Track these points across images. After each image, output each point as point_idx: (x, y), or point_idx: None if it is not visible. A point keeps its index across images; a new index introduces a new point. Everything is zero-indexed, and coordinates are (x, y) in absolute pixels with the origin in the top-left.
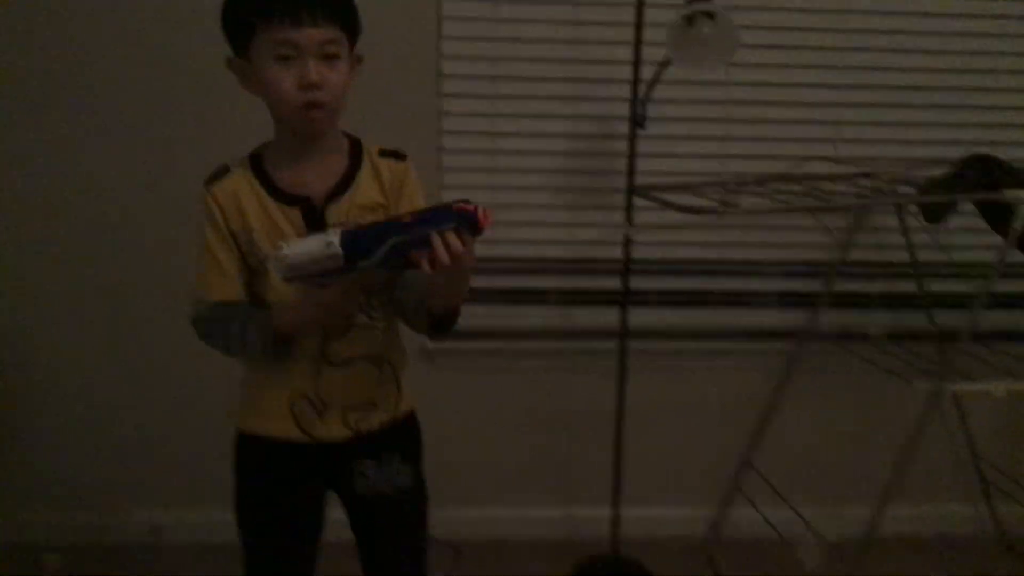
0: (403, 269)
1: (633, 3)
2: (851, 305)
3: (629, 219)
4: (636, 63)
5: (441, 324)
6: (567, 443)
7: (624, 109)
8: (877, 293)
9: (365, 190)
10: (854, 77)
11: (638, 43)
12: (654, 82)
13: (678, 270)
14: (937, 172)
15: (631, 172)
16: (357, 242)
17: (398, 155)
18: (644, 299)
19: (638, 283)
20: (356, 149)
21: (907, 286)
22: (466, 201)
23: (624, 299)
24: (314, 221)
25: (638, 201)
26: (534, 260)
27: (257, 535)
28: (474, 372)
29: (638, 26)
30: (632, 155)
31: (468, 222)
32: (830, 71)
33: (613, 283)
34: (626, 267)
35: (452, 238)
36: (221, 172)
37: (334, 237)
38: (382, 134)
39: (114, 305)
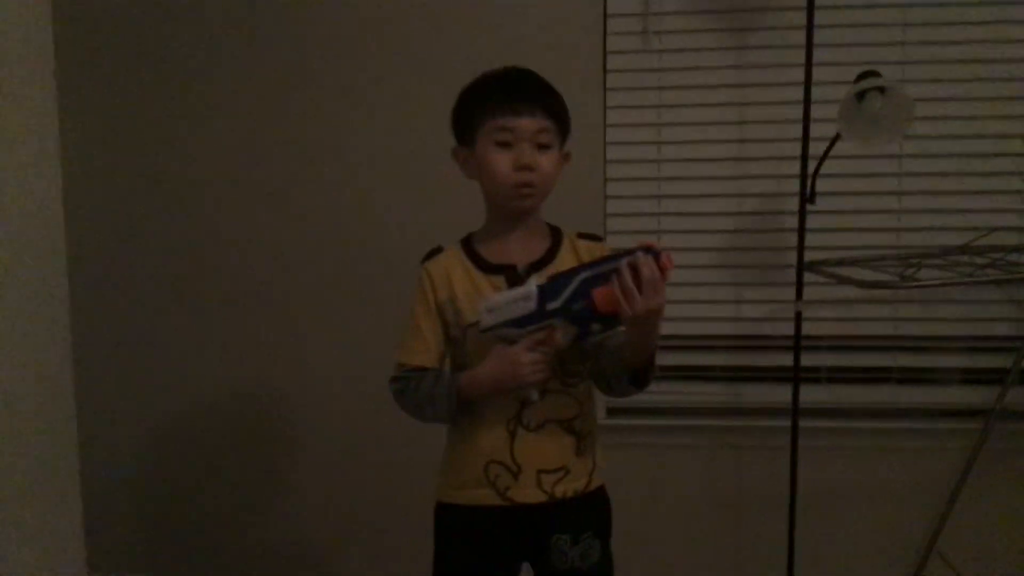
0: (592, 317)
1: (801, 82)
2: None
3: (800, 294)
4: (805, 139)
5: (640, 376)
6: (738, 524)
7: (792, 185)
8: None
9: (565, 265)
10: None
11: (806, 119)
12: (824, 158)
13: (854, 346)
14: None
15: (801, 247)
16: (551, 285)
17: (595, 237)
18: (816, 375)
19: (809, 359)
20: (556, 233)
21: None
22: (652, 248)
23: (796, 375)
24: (515, 284)
25: (809, 276)
26: (702, 337)
27: None
28: (643, 448)
29: (806, 102)
30: (802, 230)
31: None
32: (1007, 140)
33: (784, 359)
34: (797, 343)
35: (640, 262)
36: (435, 251)
37: (532, 283)
38: (549, 212)
39: None
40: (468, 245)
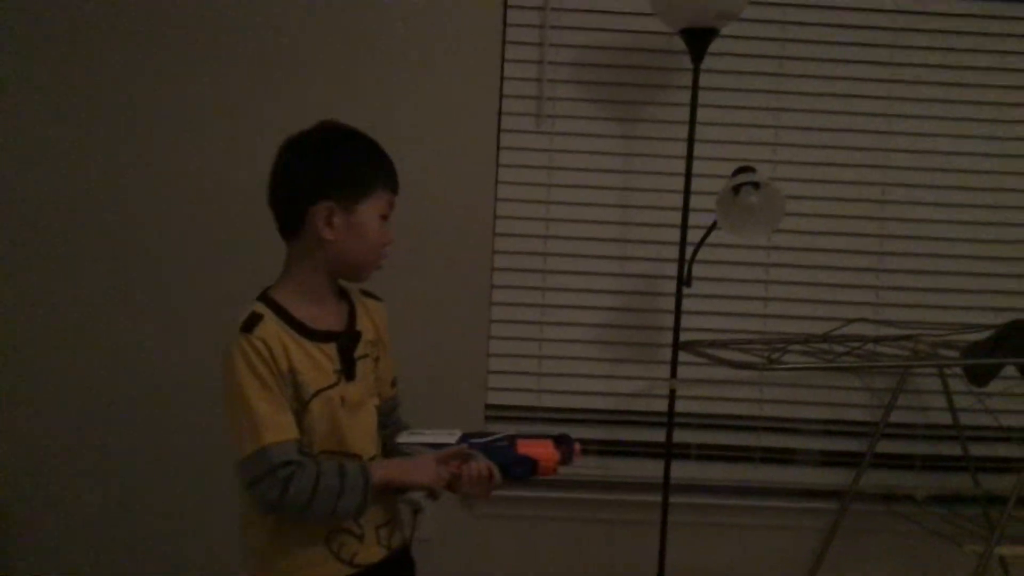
0: (512, 454)
1: (682, 172)
2: (895, 466)
3: (674, 373)
4: (684, 226)
5: None
6: None
7: (671, 268)
8: (920, 454)
9: (367, 327)
10: (896, 245)
11: (686, 207)
12: (700, 244)
13: (721, 425)
14: (976, 337)
15: (677, 328)
16: (476, 433)
17: (376, 296)
18: (686, 452)
19: (680, 436)
20: (343, 291)
21: (950, 448)
22: (568, 437)
23: (668, 452)
24: (347, 355)
25: (682, 356)
26: (578, 411)
27: None
28: (514, 520)
29: (686, 191)
30: (678, 311)
31: (567, 449)
32: (871, 239)
33: (656, 435)
34: (670, 419)
35: (484, 470)
36: (256, 318)
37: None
38: (437, 285)
39: None
40: (278, 310)
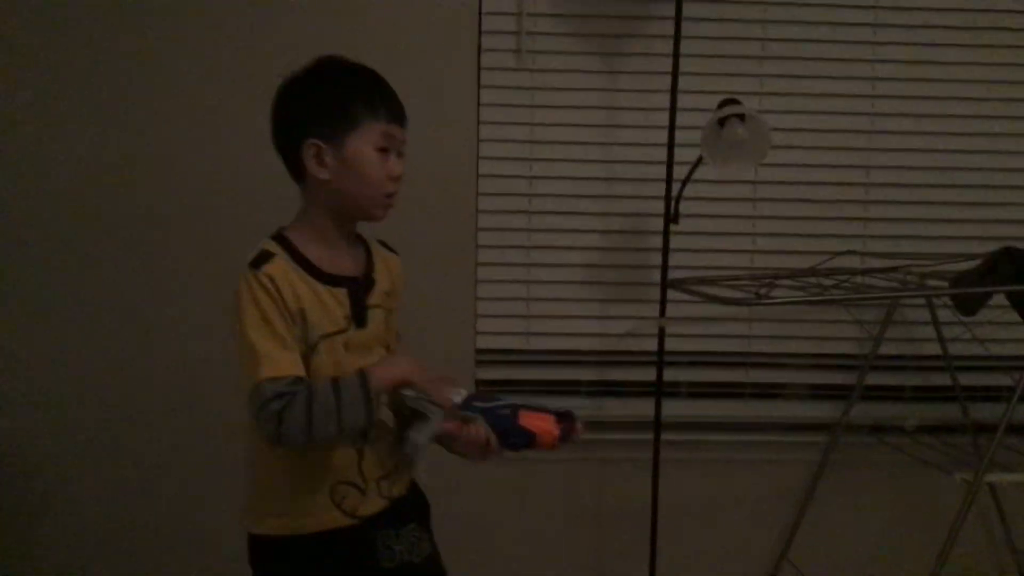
0: (512, 426)
1: (667, 107)
2: (884, 398)
3: (663, 312)
4: (670, 163)
5: None
6: (599, 536)
7: (657, 206)
8: (910, 386)
9: (383, 278)
10: (883, 176)
11: (671, 143)
12: (687, 180)
13: (711, 362)
14: (965, 267)
15: (665, 266)
16: (479, 394)
17: (393, 249)
18: (676, 391)
19: (671, 375)
20: (362, 240)
21: (939, 379)
22: (571, 414)
23: (658, 390)
24: (358, 301)
25: (671, 294)
26: (568, 352)
27: None
28: (506, 460)
29: (671, 127)
30: (666, 249)
31: (568, 426)
32: (858, 170)
33: (646, 374)
34: (660, 358)
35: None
36: (266, 256)
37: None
38: (422, 230)
39: None
40: (291, 250)
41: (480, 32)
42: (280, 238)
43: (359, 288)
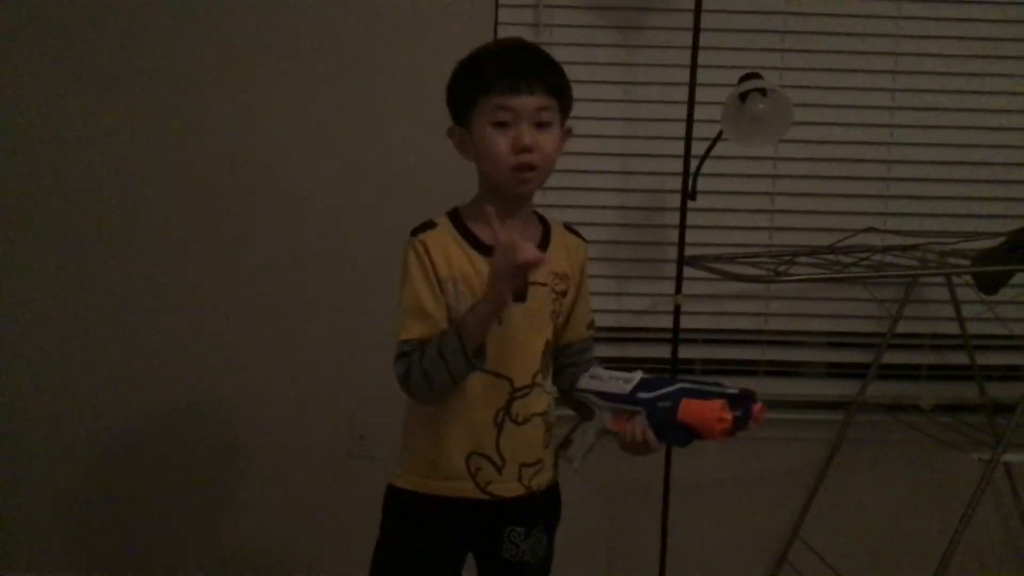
0: (670, 421)
1: (686, 82)
2: (901, 376)
3: (679, 288)
4: (688, 138)
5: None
6: (612, 514)
7: (675, 182)
8: (926, 364)
9: (557, 258)
10: (904, 153)
11: (690, 118)
12: (706, 156)
13: (727, 340)
14: (987, 244)
15: (682, 242)
16: (654, 380)
17: (580, 233)
18: (691, 368)
19: (686, 352)
20: (544, 222)
21: (956, 358)
22: (751, 396)
23: (673, 368)
24: None
25: (687, 271)
26: None
27: None
28: None
29: (691, 102)
30: (683, 226)
31: (744, 410)
32: (879, 147)
33: (661, 351)
34: (675, 336)
35: (639, 435)
36: (427, 225)
37: (639, 373)
38: (441, 208)
39: None
40: (459, 223)
41: (497, 5)
42: (454, 209)
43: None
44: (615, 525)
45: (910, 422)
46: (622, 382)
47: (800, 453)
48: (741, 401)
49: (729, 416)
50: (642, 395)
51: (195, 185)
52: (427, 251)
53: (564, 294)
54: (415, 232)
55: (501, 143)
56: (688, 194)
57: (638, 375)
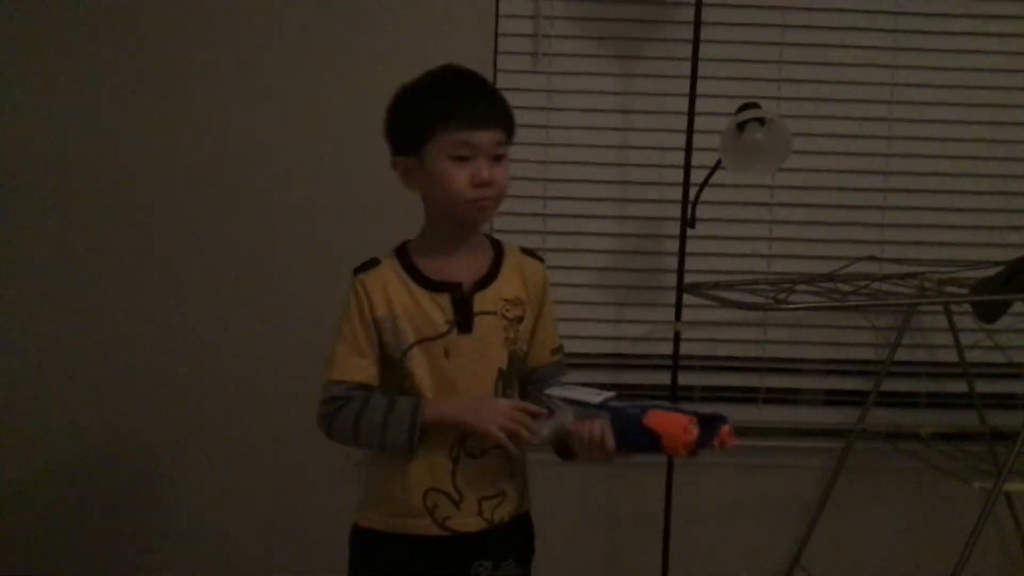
0: (635, 426)
1: (684, 111)
2: (900, 404)
3: (679, 316)
4: (687, 166)
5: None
6: (612, 541)
7: (674, 210)
8: (925, 392)
9: (509, 284)
10: (902, 182)
11: (689, 147)
12: (704, 184)
13: (725, 367)
14: (983, 274)
15: (681, 269)
16: (624, 399)
17: (537, 256)
18: (690, 395)
19: (685, 379)
20: (497, 247)
21: (955, 386)
22: (722, 418)
23: (673, 394)
24: (463, 307)
25: (686, 298)
26: (582, 355)
27: None
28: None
29: (689, 130)
30: (682, 253)
31: (711, 431)
32: (876, 176)
33: (660, 378)
34: (675, 362)
35: (597, 433)
36: (371, 264)
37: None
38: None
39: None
40: (405, 258)
41: (496, 35)
42: (400, 247)
43: (464, 294)
44: (615, 551)
45: (910, 450)
46: (593, 395)
47: (799, 480)
48: (711, 422)
49: (695, 431)
50: (614, 404)
51: (187, 179)
52: (366, 292)
53: (520, 320)
54: (357, 271)
55: (459, 177)
56: (687, 222)
57: (612, 394)
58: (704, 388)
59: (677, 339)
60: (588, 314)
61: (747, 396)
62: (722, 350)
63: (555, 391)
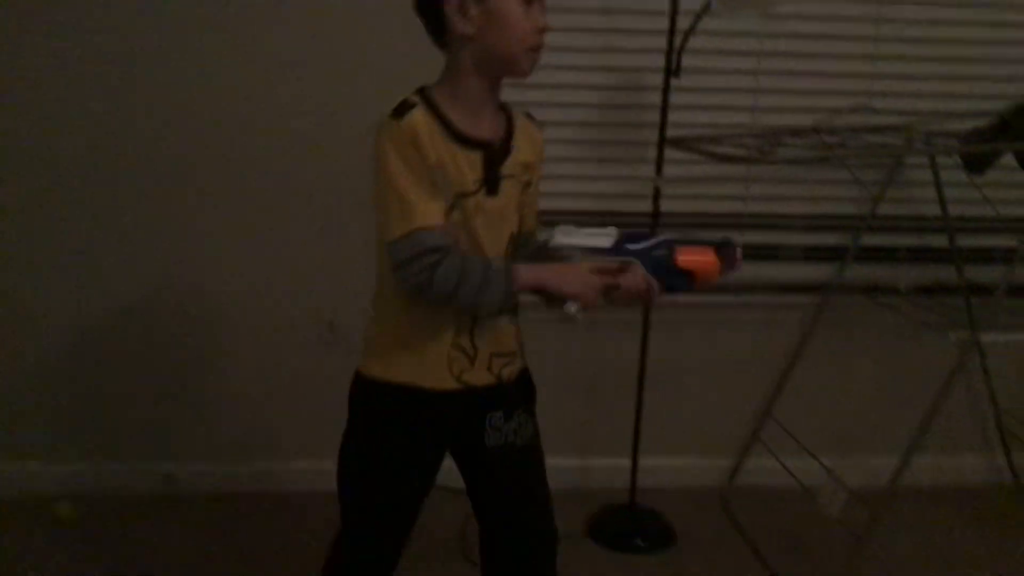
0: (671, 268)
1: None
2: (880, 259)
3: (659, 171)
4: (673, 12)
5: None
6: (588, 394)
7: (657, 60)
8: (905, 247)
9: (523, 148)
10: (891, 29)
11: None
12: (691, 30)
13: (705, 223)
14: (972, 124)
15: (664, 123)
16: (631, 232)
17: (538, 122)
18: None
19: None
20: (506, 108)
21: (935, 240)
22: (731, 242)
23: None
24: (492, 168)
25: (668, 154)
26: (559, 213)
27: (384, 484)
28: None
29: None
30: (665, 106)
31: (729, 255)
32: (865, 23)
33: None
34: (655, 219)
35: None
36: (408, 107)
37: (612, 229)
38: (414, 81)
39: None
40: (432, 106)
41: None
42: (423, 94)
43: (494, 155)
44: (590, 406)
45: (888, 303)
46: (602, 236)
47: (779, 336)
48: (723, 247)
49: (719, 262)
50: (630, 247)
51: (186, 95)
52: (417, 135)
53: (529, 184)
54: (398, 114)
55: (525, 19)
56: (672, 71)
57: (614, 230)
58: None
59: (657, 195)
60: (566, 170)
61: None
62: (703, 207)
63: (560, 239)
